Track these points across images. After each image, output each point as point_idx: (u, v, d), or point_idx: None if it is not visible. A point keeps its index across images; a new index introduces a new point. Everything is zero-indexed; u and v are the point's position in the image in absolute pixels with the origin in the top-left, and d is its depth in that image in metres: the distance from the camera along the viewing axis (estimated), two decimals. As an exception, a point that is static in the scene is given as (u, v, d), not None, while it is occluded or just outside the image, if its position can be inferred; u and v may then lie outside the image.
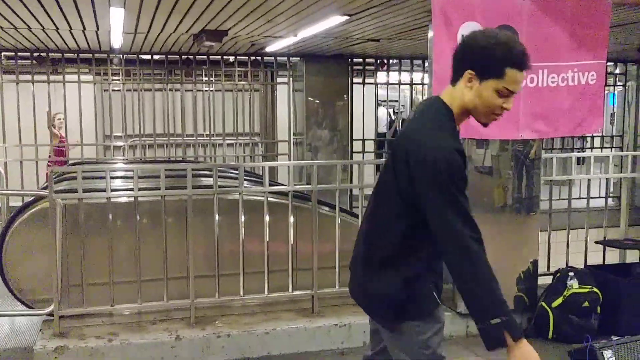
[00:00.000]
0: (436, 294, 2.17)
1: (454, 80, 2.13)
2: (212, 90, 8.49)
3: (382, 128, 12.28)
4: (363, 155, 8.42)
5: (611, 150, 8.80)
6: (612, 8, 4.18)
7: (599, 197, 6.62)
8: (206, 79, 8.47)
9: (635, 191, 5.50)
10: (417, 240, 2.13)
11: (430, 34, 4.12)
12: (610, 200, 6.57)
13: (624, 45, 6.65)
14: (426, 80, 8.44)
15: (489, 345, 1.96)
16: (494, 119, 2.13)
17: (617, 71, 8.88)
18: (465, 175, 2.04)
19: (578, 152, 9.80)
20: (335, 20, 5.20)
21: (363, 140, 8.53)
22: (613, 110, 10.55)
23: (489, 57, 2.03)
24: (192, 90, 8.42)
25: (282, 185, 5.04)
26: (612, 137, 9.47)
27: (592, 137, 9.68)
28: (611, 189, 7.51)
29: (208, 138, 8.62)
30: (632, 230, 6.09)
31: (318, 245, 4.32)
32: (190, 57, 8.03)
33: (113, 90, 8.08)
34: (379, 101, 9.20)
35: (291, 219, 4.35)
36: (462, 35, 2.22)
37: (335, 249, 4.37)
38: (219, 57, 8.07)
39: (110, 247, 4.07)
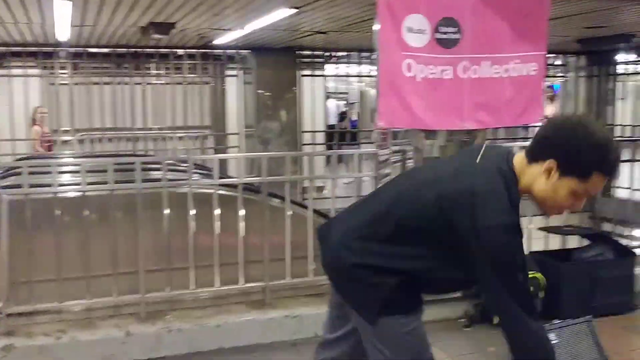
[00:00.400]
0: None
1: (533, 157, 1.95)
2: (161, 84, 8.40)
3: (332, 120, 12.35)
4: (313, 147, 8.47)
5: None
6: (551, 1, 4.32)
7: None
8: (155, 72, 8.37)
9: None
10: (427, 263, 2.05)
11: (376, 26, 4.18)
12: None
13: (563, 37, 6.86)
14: (374, 73, 8.52)
15: None
16: (557, 213, 2.04)
17: (559, 63, 9.16)
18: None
19: (522, 141, 10.04)
20: (283, 13, 5.22)
21: (313, 132, 8.59)
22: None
23: (582, 155, 1.86)
24: (141, 84, 8.31)
25: (232, 177, 5.04)
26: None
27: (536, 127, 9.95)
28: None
29: (158, 131, 8.53)
30: (573, 217, 6.31)
31: (269, 237, 4.35)
32: (139, 50, 7.93)
33: (61, 84, 7.91)
34: (329, 93, 9.27)
35: (241, 212, 4.36)
36: (548, 119, 2.10)
37: (286, 241, 4.41)
38: (168, 50, 7.99)
39: (58, 242, 4.01)
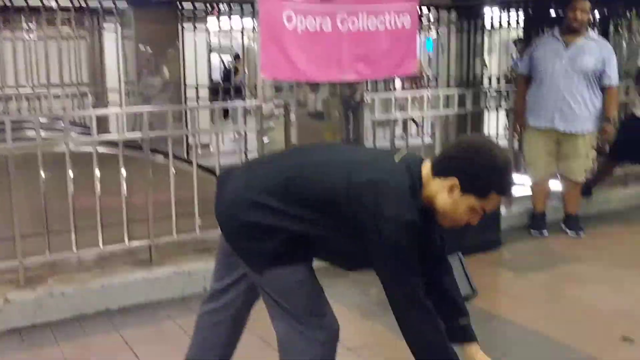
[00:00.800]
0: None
1: (437, 172, 2.09)
2: (34, 40, 7.89)
3: (217, 76, 12.14)
4: (198, 102, 8.30)
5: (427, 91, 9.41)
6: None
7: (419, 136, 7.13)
8: (26, 27, 7.84)
9: (449, 128, 5.98)
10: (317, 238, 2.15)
11: (256, -23, 4.13)
12: (428, 138, 7.08)
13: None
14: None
15: None
16: (454, 226, 2.15)
17: (430, 17, 9.42)
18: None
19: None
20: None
21: (197, 87, 8.39)
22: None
23: (482, 177, 2.03)
24: (10, 39, 7.76)
25: (110, 133, 4.84)
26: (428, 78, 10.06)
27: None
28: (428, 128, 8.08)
29: (31, 90, 8.04)
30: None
31: (153, 195, 4.27)
32: (7, 3, 7.36)
33: None
34: (212, 48, 9.08)
35: (123, 170, 4.24)
36: (456, 139, 2.30)
37: (171, 198, 4.35)
38: (40, 2, 7.47)
39: None
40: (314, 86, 4.67)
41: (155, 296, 4.12)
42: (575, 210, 5.64)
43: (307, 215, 2.12)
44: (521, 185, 5.72)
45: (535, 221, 5.62)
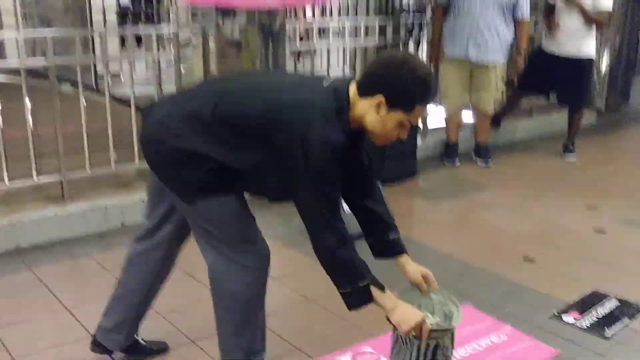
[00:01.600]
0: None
1: (363, 92, 2.07)
2: None
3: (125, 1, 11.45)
4: (105, 27, 7.82)
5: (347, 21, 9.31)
6: None
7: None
8: None
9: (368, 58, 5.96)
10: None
11: None
12: (347, 68, 7.05)
13: None
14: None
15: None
16: (386, 142, 2.16)
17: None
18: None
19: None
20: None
21: (103, 11, 7.88)
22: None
23: (406, 91, 2.03)
24: None
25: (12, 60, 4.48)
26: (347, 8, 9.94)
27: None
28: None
29: None
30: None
31: (62, 127, 4.04)
32: None
33: None
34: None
35: (27, 100, 3.95)
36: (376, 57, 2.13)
37: (82, 131, 4.13)
38: None
39: None
40: (228, 12, 4.48)
41: (69, 233, 3.95)
42: (485, 140, 5.87)
43: (233, 143, 2.09)
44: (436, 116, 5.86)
45: (448, 151, 5.81)
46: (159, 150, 2.18)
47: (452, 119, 5.78)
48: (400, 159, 5.15)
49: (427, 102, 2.15)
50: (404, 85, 2.03)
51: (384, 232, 2.35)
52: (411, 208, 4.87)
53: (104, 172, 4.26)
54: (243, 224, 2.29)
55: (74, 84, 4.28)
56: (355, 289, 2.11)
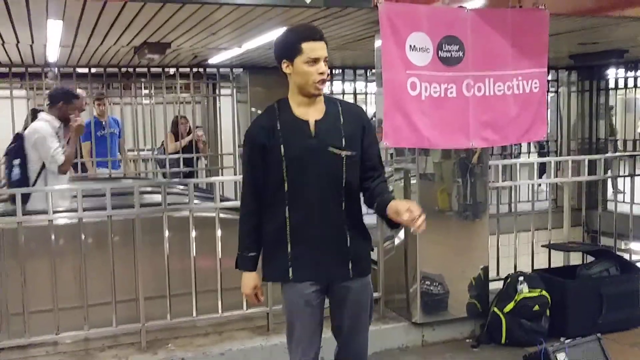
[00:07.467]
0: None
1: (281, 69, 2.62)
2: (153, 104, 8.28)
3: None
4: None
5: (548, 155, 9.04)
6: (549, 18, 4.30)
7: (542, 201, 6.82)
8: (146, 91, 8.25)
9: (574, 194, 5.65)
10: None
11: (378, 43, 4.12)
12: (547, 203, 6.74)
13: (556, 53, 6.86)
14: (369, 90, 8.47)
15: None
16: (319, 87, 2.56)
17: (550, 78, 9.15)
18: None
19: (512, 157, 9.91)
20: (279, 32, 5.14)
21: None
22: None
23: (284, 46, 2.60)
24: (131, 104, 8.19)
25: (231, 200, 4.90)
26: (546, 142, 9.67)
27: (528, 144, 9.85)
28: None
29: (150, 152, 8.39)
30: (573, 230, 6.28)
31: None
32: (130, 69, 7.81)
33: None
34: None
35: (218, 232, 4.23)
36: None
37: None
38: (160, 69, 7.88)
39: (53, 271, 3.88)
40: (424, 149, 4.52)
41: (272, 365, 4.03)
42: None
43: None
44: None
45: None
46: (355, 249, 2.71)
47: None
48: (621, 306, 4.65)
49: (304, 38, 2.54)
50: (281, 45, 2.62)
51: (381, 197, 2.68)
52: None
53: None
54: None
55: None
56: (239, 255, 2.76)
